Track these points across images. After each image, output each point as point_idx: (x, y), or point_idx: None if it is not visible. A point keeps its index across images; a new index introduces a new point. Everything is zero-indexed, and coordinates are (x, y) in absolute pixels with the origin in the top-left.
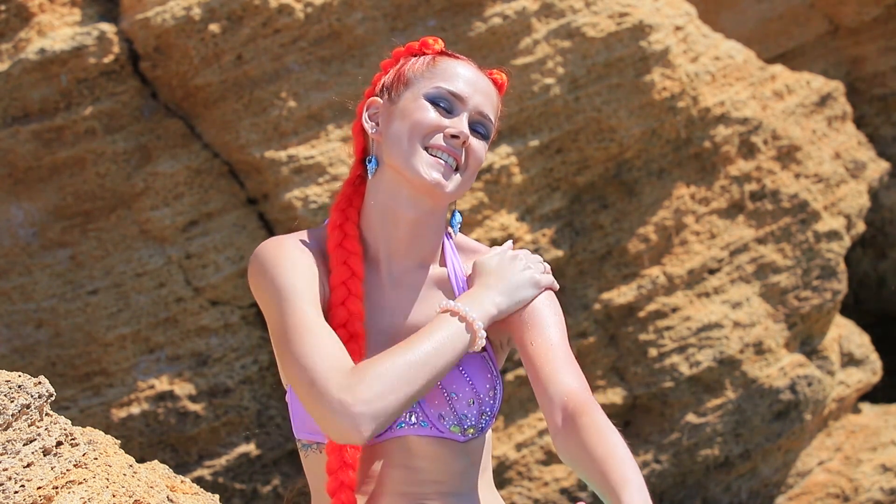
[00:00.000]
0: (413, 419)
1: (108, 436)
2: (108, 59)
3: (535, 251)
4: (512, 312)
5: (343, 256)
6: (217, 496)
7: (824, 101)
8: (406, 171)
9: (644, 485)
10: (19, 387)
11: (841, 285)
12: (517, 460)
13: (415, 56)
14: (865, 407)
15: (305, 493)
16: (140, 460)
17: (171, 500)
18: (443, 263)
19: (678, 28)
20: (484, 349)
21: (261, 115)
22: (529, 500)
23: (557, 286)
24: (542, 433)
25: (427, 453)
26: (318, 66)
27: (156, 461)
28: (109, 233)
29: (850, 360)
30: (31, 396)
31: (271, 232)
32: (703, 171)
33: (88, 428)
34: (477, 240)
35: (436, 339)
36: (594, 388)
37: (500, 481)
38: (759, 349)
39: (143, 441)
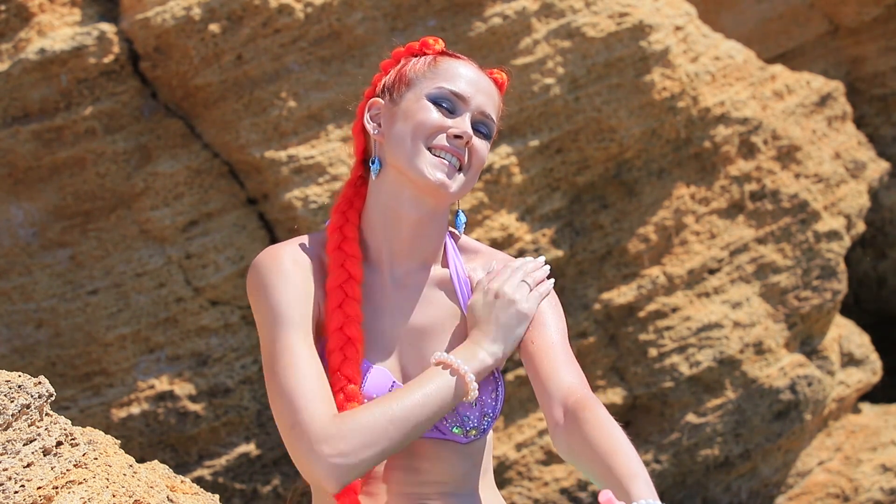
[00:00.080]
0: None
1: (108, 436)
2: (108, 59)
3: (536, 251)
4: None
5: (341, 259)
6: (217, 496)
7: (824, 101)
8: (410, 172)
9: (650, 479)
10: (19, 387)
11: (841, 285)
12: (517, 460)
13: (415, 56)
14: (865, 407)
15: (306, 493)
16: (140, 460)
17: (171, 500)
18: (445, 264)
19: (678, 28)
20: None
21: (261, 115)
22: (529, 500)
23: (551, 288)
24: (542, 433)
25: (429, 454)
26: (318, 66)
27: (156, 461)
28: (109, 233)
29: (850, 360)
30: (31, 396)
31: (271, 232)
32: (703, 171)
33: (88, 428)
34: (477, 240)
35: (423, 392)
36: (594, 388)
37: (501, 481)
38: (759, 349)
39: (143, 441)
